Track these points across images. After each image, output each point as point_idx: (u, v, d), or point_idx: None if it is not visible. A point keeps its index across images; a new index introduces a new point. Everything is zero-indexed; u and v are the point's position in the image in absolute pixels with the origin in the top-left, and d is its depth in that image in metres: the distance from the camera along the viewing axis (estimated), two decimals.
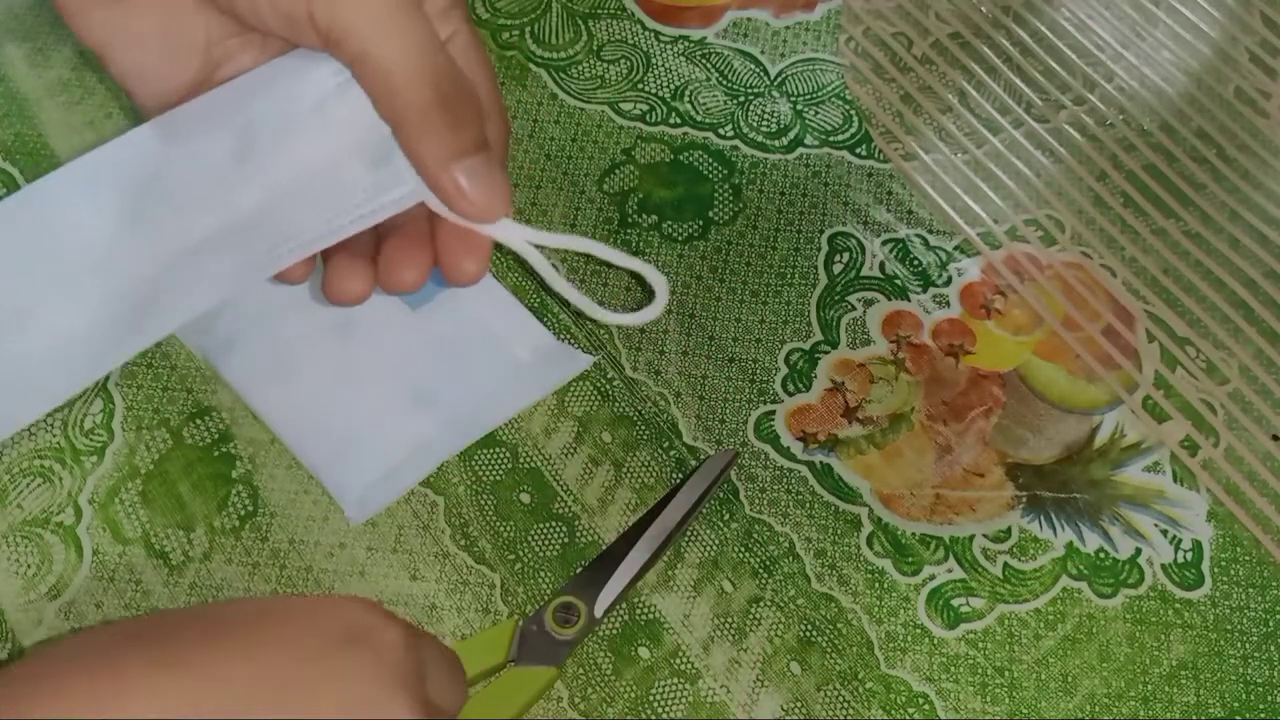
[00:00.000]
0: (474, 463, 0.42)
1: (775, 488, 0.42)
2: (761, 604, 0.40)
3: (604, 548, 0.40)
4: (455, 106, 0.31)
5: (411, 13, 0.31)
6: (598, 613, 0.38)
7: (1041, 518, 0.42)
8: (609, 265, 0.38)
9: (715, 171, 0.49)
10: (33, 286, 0.31)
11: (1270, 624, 0.40)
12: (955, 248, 0.47)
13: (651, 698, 0.39)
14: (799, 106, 0.51)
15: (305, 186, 0.32)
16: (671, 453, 0.43)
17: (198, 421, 0.43)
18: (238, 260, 0.31)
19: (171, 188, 0.32)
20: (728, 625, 0.40)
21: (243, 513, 0.41)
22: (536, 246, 0.34)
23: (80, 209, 0.31)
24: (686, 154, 0.49)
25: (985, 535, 0.41)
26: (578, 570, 0.40)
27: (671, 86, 0.51)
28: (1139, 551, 0.41)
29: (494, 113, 0.34)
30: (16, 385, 0.31)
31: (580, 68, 0.52)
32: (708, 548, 0.41)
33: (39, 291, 0.31)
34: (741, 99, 0.51)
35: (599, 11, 0.54)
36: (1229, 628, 0.40)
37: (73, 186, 0.31)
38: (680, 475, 0.42)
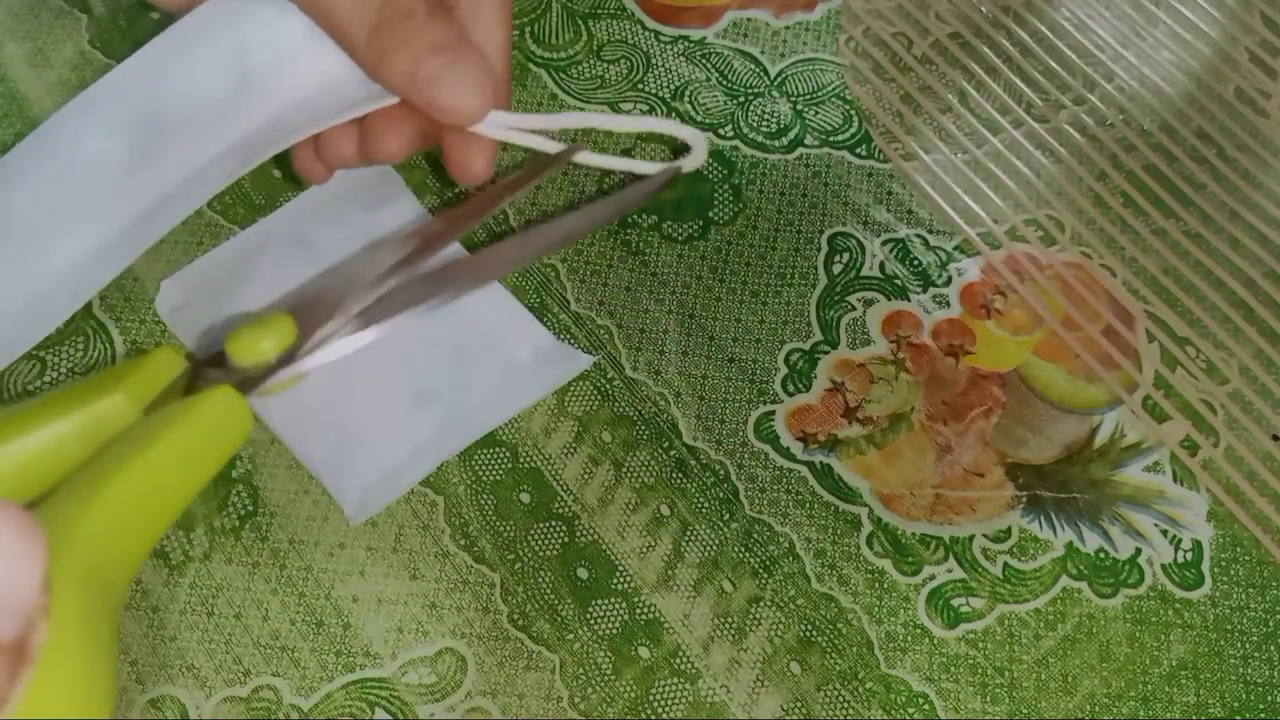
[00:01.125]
0: (474, 463, 0.42)
1: (775, 488, 0.42)
2: (761, 604, 0.40)
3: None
4: (400, 25, 0.29)
5: None
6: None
7: (1041, 518, 0.42)
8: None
9: (715, 171, 0.49)
10: (51, 214, 0.31)
11: (1270, 624, 0.40)
12: (955, 248, 0.47)
13: (651, 698, 0.39)
14: (799, 106, 0.51)
15: (302, 106, 0.32)
16: (671, 453, 0.43)
17: None
18: (238, 163, 0.31)
19: (174, 119, 0.32)
20: (728, 625, 0.40)
21: (243, 513, 0.41)
22: (541, 133, 0.32)
23: (92, 139, 0.31)
24: (686, 154, 0.49)
25: (985, 535, 0.41)
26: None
27: (671, 87, 0.51)
28: (1139, 551, 0.41)
29: (490, 7, 0.32)
30: (31, 307, 0.31)
31: (580, 68, 0.52)
32: (708, 548, 0.41)
33: (57, 218, 0.31)
34: (741, 99, 0.51)
35: (599, 11, 0.54)
36: (1229, 628, 0.40)
37: (84, 118, 0.31)
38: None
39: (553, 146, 0.33)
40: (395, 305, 0.29)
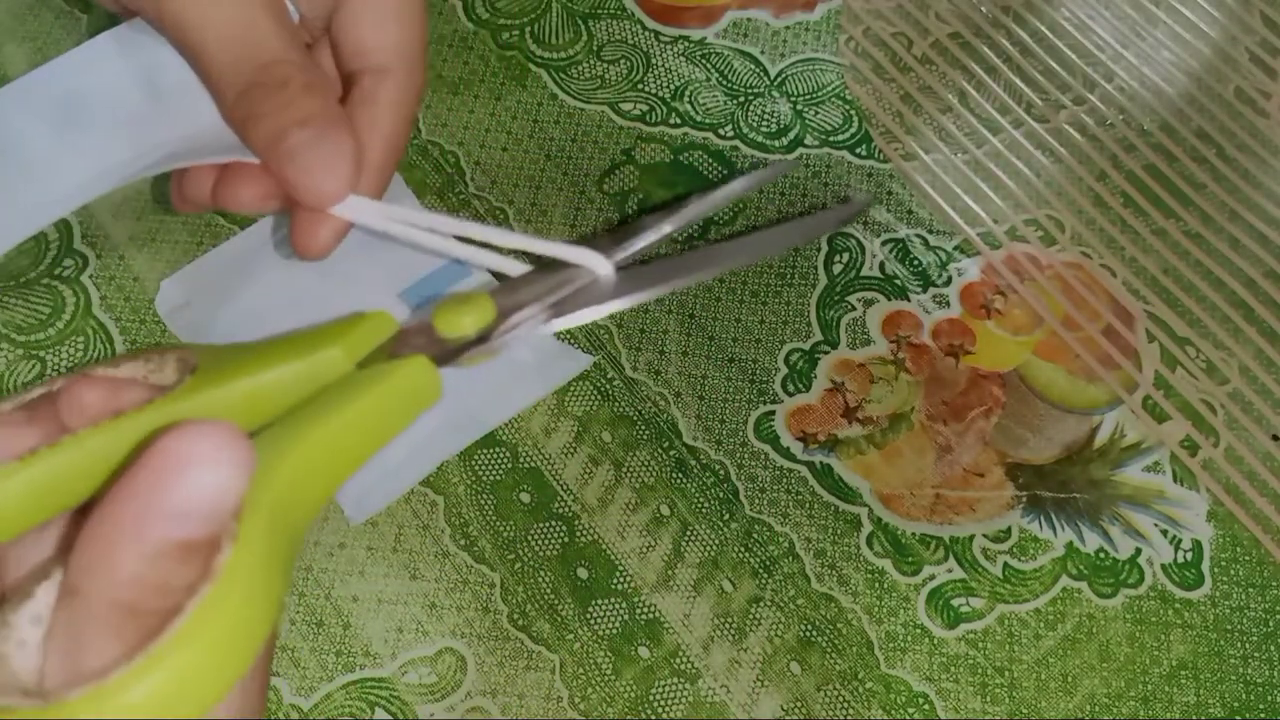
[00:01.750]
0: (474, 462, 0.42)
1: (775, 488, 0.42)
2: (761, 604, 0.40)
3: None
4: (272, 92, 0.28)
5: None
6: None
7: (1041, 518, 0.42)
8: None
9: (715, 171, 0.49)
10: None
11: (1270, 624, 0.40)
12: (955, 248, 0.47)
13: (651, 698, 0.39)
14: (799, 106, 0.51)
15: (199, 135, 0.32)
16: (671, 453, 0.43)
17: None
18: (143, 169, 0.32)
19: (95, 115, 0.32)
20: (728, 625, 0.40)
21: None
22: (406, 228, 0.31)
23: (20, 118, 0.32)
24: (686, 154, 0.49)
25: (985, 535, 0.41)
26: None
27: (671, 87, 0.51)
28: (1139, 551, 0.41)
29: (396, 65, 0.30)
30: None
31: (580, 68, 0.52)
32: (708, 548, 0.41)
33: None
34: (741, 99, 0.51)
35: (599, 11, 0.54)
36: (1229, 628, 0.40)
37: (16, 100, 0.32)
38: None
39: (420, 236, 0.31)
40: (583, 301, 0.30)
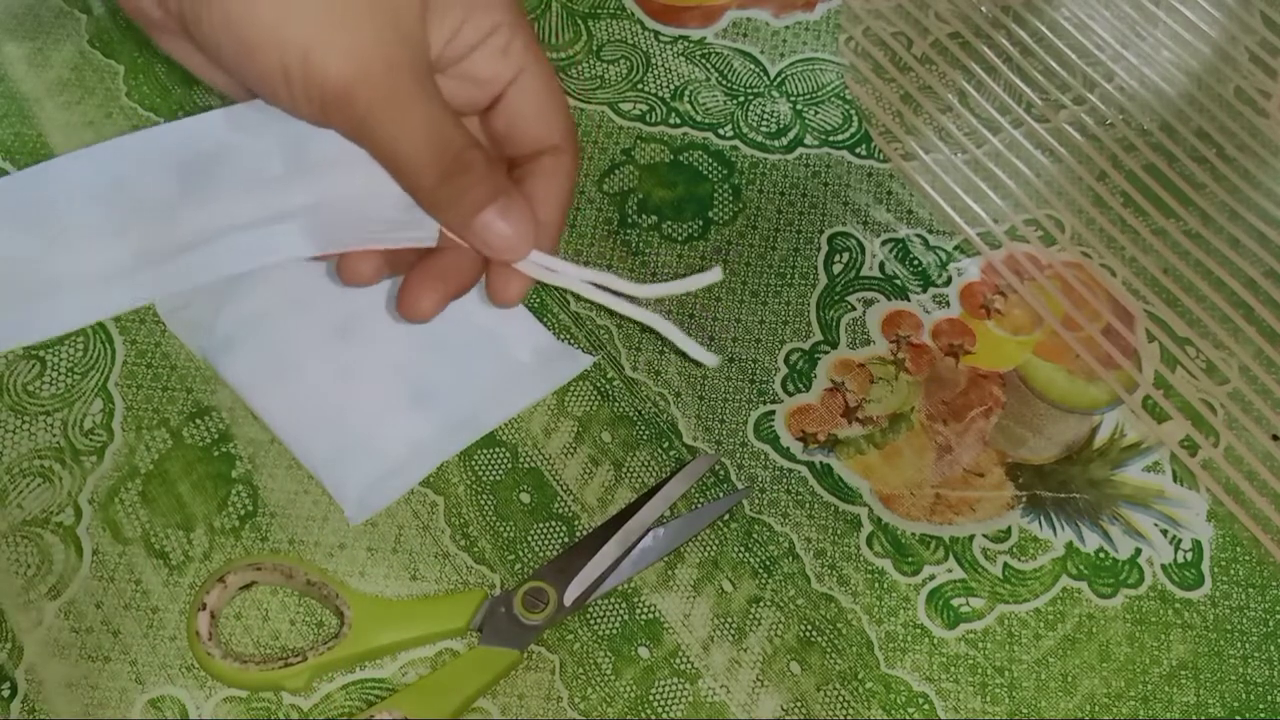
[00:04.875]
0: (474, 463, 0.42)
1: (775, 488, 0.42)
2: (761, 604, 0.40)
3: (582, 535, 0.40)
4: (462, 177, 0.32)
5: (414, 83, 0.31)
6: (567, 601, 0.39)
7: (1041, 518, 0.42)
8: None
9: (715, 171, 0.49)
10: (95, 223, 0.32)
11: (1270, 624, 0.40)
12: (955, 248, 0.47)
13: (651, 698, 0.39)
14: (799, 106, 0.51)
15: (346, 210, 0.33)
16: (671, 453, 0.43)
17: (198, 421, 0.43)
18: (260, 243, 0.32)
19: (225, 177, 0.33)
20: (728, 625, 0.40)
21: (243, 513, 0.41)
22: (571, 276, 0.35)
23: (148, 169, 0.33)
24: (686, 154, 0.49)
25: (985, 535, 0.41)
26: (553, 556, 0.40)
27: (671, 86, 0.51)
28: (1139, 551, 0.41)
29: (565, 145, 0.35)
30: (47, 306, 0.32)
31: (580, 68, 0.52)
32: (708, 548, 0.41)
33: (98, 229, 0.32)
34: (741, 99, 0.51)
35: (599, 11, 0.54)
36: (1229, 628, 0.40)
37: (144, 149, 0.33)
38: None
39: (638, 313, 0.35)
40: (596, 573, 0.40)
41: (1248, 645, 0.40)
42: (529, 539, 0.41)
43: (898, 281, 0.46)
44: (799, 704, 0.38)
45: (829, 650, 0.39)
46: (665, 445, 0.43)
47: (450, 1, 0.32)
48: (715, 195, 0.48)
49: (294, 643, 0.39)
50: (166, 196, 0.33)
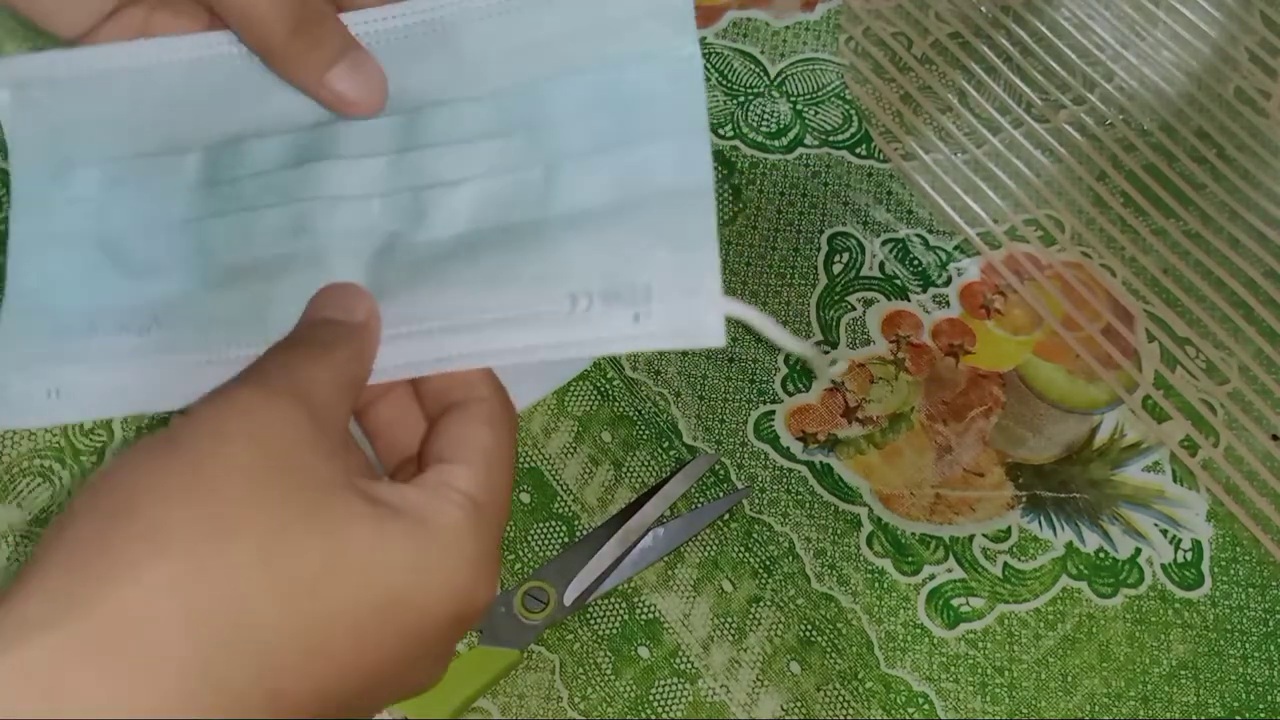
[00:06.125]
0: None
1: (775, 488, 0.42)
2: (761, 604, 0.40)
3: (582, 535, 0.40)
4: (313, 29, 0.33)
5: None
6: (567, 601, 0.39)
7: (1041, 517, 0.42)
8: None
9: (715, 171, 0.49)
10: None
11: (1270, 624, 0.40)
12: (955, 248, 0.47)
13: (651, 698, 0.39)
14: (799, 106, 0.51)
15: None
16: (671, 453, 0.43)
17: None
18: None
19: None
20: (728, 625, 0.40)
21: None
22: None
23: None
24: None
25: (985, 535, 0.41)
26: (553, 556, 0.40)
27: None
28: (1139, 551, 0.41)
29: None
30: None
31: None
32: (708, 548, 0.41)
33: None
34: (741, 99, 0.51)
35: None
36: (1229, 628, 0.40)
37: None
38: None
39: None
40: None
41: (1248, 645, 0.40)
42: (529, 539, 0.41)
43: (898, 281, 0.46)
44: (799, 704, 0.38)
45: (829, 650, 0.39)
46: (665, 445, 0.43)
47: None
48: (715, 195, 0.48)
49: None
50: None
